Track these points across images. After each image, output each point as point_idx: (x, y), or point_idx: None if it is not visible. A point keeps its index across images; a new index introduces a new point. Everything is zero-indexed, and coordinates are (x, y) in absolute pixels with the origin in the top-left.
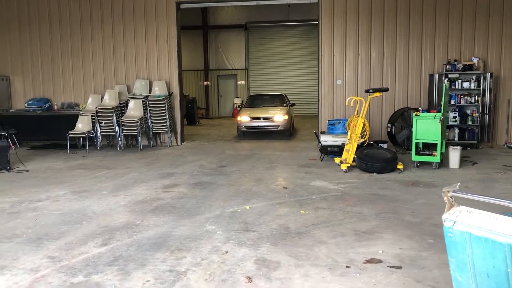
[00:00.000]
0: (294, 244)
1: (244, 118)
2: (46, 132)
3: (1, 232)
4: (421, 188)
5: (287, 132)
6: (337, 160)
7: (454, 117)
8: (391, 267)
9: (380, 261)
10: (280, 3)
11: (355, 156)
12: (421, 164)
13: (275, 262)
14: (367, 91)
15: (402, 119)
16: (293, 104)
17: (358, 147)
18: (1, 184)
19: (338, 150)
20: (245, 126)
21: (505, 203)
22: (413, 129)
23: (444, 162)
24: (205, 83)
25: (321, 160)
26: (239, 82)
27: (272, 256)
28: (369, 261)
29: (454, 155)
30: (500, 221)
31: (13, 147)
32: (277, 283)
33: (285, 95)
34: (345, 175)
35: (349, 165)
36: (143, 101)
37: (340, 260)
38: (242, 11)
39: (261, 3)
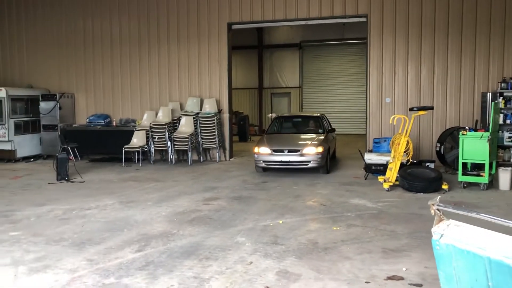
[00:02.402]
0: (319, 258)
1: (263, 150)
2: (105, 146)
3: (51, 236)
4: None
5: (322, 170)
6: (380, 178)
7: (510, 137)
8: (411, 284)
9: (401, 278)
10: (329, 22)
11: (398, 175)
12: (469, 185)
13: (296, 275)
14: (411, 109)
15: (451, 138)
16: (333, 130)
17: (403, 166)
18: (58, 193)
19: (382, 169)
20: (263, 161)
21: (488, 218)
22: (460, 149)
23: (494, 183)
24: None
25: (365, 179)
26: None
27: (295, 269)
28: (390, 278)
29: (504, 176)
30: (484, 235)
31: (71, 159)
32: None
33: (323, 117)
34: (386, 194)
35: (391, 183)
36: (194, 118)
37: (361, 276)
38: (297, 30)
39: (310, 22)
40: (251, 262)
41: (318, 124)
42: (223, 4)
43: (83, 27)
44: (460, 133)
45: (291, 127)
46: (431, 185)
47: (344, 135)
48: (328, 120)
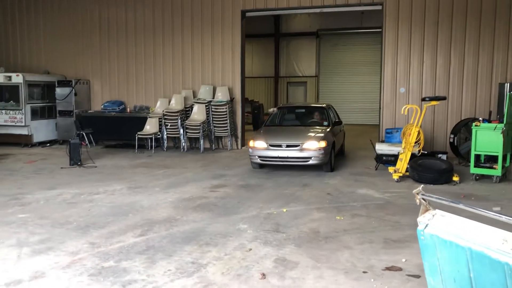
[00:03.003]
0: (318, 247)
1: (258, 144)
2: (119, 132)
3: (57, 219)
4: (471, 201)
5: (325, 167)
6: (391, 169)
7: None
8: (409, 275)
9: (400, 269)
10: (346, 10)
11: (408, 166)
12: (481, 177)
13: (294, 263)
14: (423, 99)
15: (465, 129)
16: (339, 122)
17: (414, 156)
18: (69, 178)
19: (393, 159)
20: (259, 157)
21: (471, 208)
22: (473, 140)
23: (508, 176)
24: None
25: (376, 169)
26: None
27: (293, 257)
28: (388, 268)
29: None
30: (468, 226)
31: (84, 144)
32: (288, 282)
33: (329, 108)
34: (395, 184)
35: (401, 174)
36: (206, 106)
37: (359, 265)
38: (315, 18)
39: (325, 10)
40: (250, 249)
41: (323, 115)
42: None
43: (99, 14)
44: (473, 124)
45: (292, 118)
46: (442, 177)
47: (360, 125)
48: (335, 111)
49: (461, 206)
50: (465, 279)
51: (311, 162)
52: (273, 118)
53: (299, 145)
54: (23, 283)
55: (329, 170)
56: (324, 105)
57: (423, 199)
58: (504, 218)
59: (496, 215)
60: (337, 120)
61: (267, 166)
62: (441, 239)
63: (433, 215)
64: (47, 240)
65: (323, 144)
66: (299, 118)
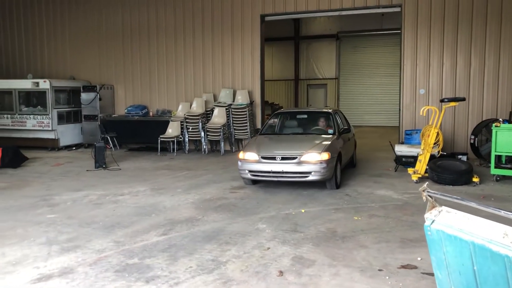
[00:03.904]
0: (335, 246)
1: (249, 156)
2: (142, 136)
3: (83, 219)
4: (491, 202)
5: (329, 184)
6: (410, 170)
7: None
8: (424, 273)
9: (415, 267)
10: (366, 12)
11: (427, 167)
12: (502, 178)
13: (311, 261)
14: (442, 101)
15: (486, 130)
16: (347, 130)
17: (433, 158)
18: (95, 180)
19: (413, 161)
20: (249, 171)
21: (472, 204)
22: (493, 141)
23: None
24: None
25: (395, 171)
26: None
27: (310, 255)
28: (404, 266)
29: None
30: (472, 221)
31: (108, 148)
32: (305, 279)
33: (336, 114)
34: (414, 185)
35: (420, 176)
36: (226, 109)
37: (374, 264)
38: (334, 21)
39: (344, 13)
40: (269, 248)
41: (328, 122)
42: None
43: (122, 20)
44: (493, 125)
45: (293, 126)
46: (461, 178)
47: (381, 127)
48: (344, 116)
49: (463, 202)
50: (470, 272)
51: (310, 177)
52: (270, 125)
53: (296, 158)
54: (54, 278)
55: (334, 187)
56: (329, 110)
57: (429, 196)
58: (502, 213)
59: (495, 210)
60: (345, 128)
61: None
62: (447, 234)
63: (439, 212)
64: (74, 238)
65: (325, 156)
66: (301, 126)
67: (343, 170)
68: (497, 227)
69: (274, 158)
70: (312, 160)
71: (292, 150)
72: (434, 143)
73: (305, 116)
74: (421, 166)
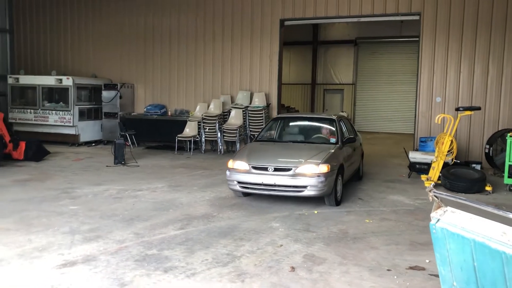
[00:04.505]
0: (346, 246)
1: (238, 165)
2: (160, 134)
3: (104, 211)
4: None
5: (328, 200)
6: (423, 177)
7: None
8: (431, 275)
9: (423, 269)
10: (383, 19)
11: (441, 174)
12: None
13: (322, 259)
14: (457, 109)
15: (501, 140)
16: (352, 140)
17: (446, 165)
18: (114, 175)
19: (426, 168)
20: (238, 182)
21: (474, 204)
22: (507, 151)
23: None
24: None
25: (409, 177)
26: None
27: (321, 254)
28: (412, 267)
29: None
30: (474, 221)
31: (128, 145)
32: (316, 275)
33: (341, 121)
34: (426, 192)
35: (433, 183)
36: (243, 111)
37: (384, 264)
38: (353, 26)
39: (362, 19)
40: (281, 245)
41: (331, 130)
42: (276, 0)
43: (144, 22)
44: (508, 135)
45: (292, 132)
46: (474, 186)
47: (396, 134)
48: (351, 124)
49: (466, 202)
50: (470, 268)
51: (306, 192)
52: (267, 131)
53: (291, 169)
54: (78, 265)
55: (333, 204)
56: (333, 117)
57: (435, 196)
58: (501, 212)
59: (494, 210)
60: (350, 137)
61: None
62: (450, 232)
63: (444, 211)
64: (96, 229)
65: (324, 168)
66: (301, 133)
67: (346, 184)
68: (497, 226)
69: (265, 169)
70: (308, 172)
71: (287, 160)
72: (448, 151)
73: (307, 122)
74: (434, 173)
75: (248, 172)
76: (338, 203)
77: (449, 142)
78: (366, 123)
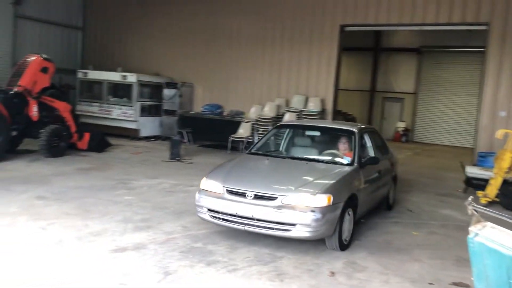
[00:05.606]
0: (389, 257)
1: (211, 186)
2: (214, 133)
3: (157, 204)
4: None
5: (328, 242)
6: (479, 193)
7: None
8: None
9: (467, 286)
10: (445, 28)
11: (499, 192)
12: None
13: (363, 266)
14: None
15: None
16: (375, 160)
17: (506, 183)
18: (169, 170)
19: (484, 184)
20: (208, 210)
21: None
22: None
23: None
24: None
25: (464, 192)
26: None
27: (363, 262)
28: (456, 283)
29: None
30: None
31: (184, 142)
32: (355, 282)
33: (366, 135)
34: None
35: (490, 200)
36: (297, 114)
37: (426, 277)
38: (417, 34)
39: (425, 28)
40: (323, 250)
41: (350, 144)
42: (338, 6)
43: (206, 24)
44: None
45: (297, 145)
46: None
47: (455, 147)
48: (381, 139)
49: (505, 218)
50: (505, 285)
51: (294, 232)
52: (266, 141)
53: (276, 198)
54: (128, 251)
55: (337, 248)
56: (353, 128)
57: (474, 210)
58: None
59: None
60: (371, 157)
61: None
62: (487, 247)
63: (484, 226)
64: (147, 219)
65: (322, 201)
66: (307, 147)
67: (366, 216)
68: None
69: (243, 195)
70: (300, 204)
71: (275, 185)
72: (508, 168)
73: (317, 133)
74: (492, 189)
75: (220, 197)
76: (344, 246)
77: (510, 159)
78: (425, 134)
